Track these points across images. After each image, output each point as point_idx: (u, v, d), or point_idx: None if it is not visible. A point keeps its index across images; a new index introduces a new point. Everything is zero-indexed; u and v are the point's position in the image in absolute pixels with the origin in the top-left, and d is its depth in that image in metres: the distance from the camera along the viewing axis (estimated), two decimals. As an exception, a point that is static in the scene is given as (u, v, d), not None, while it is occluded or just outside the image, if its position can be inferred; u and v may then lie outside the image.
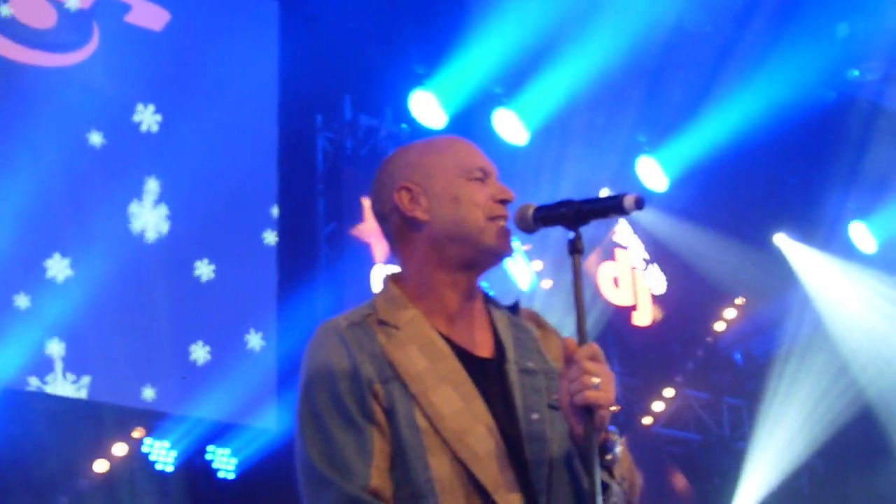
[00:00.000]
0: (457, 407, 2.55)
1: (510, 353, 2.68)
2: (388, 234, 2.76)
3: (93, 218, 7.67)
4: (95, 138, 7.83)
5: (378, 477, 2.50)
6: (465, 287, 2.70)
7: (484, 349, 2.68)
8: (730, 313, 11.11)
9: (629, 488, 2.61)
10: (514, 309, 2.81)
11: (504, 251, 2.70)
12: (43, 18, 7.83)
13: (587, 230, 2.63)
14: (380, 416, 2.54)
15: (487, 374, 2.63)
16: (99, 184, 7.77)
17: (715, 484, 10.94)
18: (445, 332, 2.66)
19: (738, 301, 11.08)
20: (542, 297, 9.65)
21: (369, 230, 8.71)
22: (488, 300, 2.79)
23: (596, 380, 2.46)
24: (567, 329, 2.71)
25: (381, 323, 2.64)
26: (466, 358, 2.64)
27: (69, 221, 7.62)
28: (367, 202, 8.24)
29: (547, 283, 9.75)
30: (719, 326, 11.07)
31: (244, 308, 8.21)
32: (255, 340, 8.10)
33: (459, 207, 2.67)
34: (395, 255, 2.76)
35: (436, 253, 2.68)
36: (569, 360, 2.49)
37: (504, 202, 2.71)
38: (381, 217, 2.76)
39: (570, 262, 2.58)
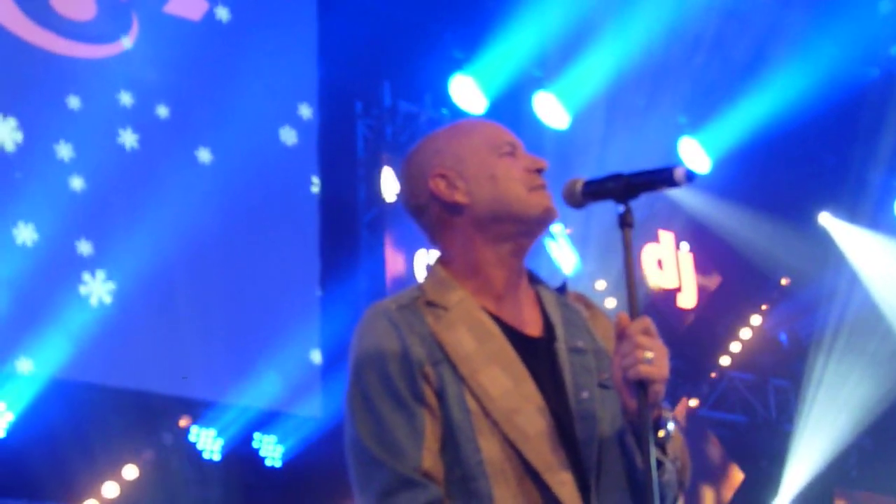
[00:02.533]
0: (506, 387, 2.53)
1: (559, 332, 2.65)
2: (428, 225, 2.74)
3: (136, 209, 7.70)
4: (132, 132, 7.84)
5: (430, 458, 2.49)
6: (512, 264, 2.68)
7: (533, 328, 2.66)
8: (775, 294, 11.03)
9: (681, 467, 2.59)
10: (561, 290, 2.79)
11: (551, 216, 2.68)
12: (83, 10, 7.85)
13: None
14: (431, 397, 2.53)
15: (537, 354, 2.61)
16: (139, 172, 7.79)
17: (762, 466, 10.87)
18: (494, 311, 2.64)
19: (784, 281, 11.00)
20: (587, 281, 9.61)
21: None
22: (536, 280, 2.78)
23: (650, 354, 2.44)
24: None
25: (430, 304, 2.62)
26: (516, 337, 2.61)
27: (111, 213, 7.65)
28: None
29: (591, 266, 9.71)
30: (764, 307, 10.99)
31: (289, 295, 8.22)
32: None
33: (498, 184, 2.65)
34: (438, 242, 2.74)
35: (480, 233, 2.66)
36: (621, 335, 2.47)
37: (539, 171, 2.70)
38: (417, 209, 2.74)
39: (619, 237, 2.56)
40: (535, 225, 2.68)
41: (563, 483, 2.48)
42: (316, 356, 8.05)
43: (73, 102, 7.63)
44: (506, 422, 2.50)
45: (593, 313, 2.78)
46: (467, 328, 2.59)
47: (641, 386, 2.43)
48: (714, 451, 10.56)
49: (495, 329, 2.60)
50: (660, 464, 2.48)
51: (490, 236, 2.66)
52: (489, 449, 2.49)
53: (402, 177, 2.78)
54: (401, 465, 2.48)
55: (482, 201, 2.66)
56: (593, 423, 2.55)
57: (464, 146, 2.71)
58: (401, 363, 2.54)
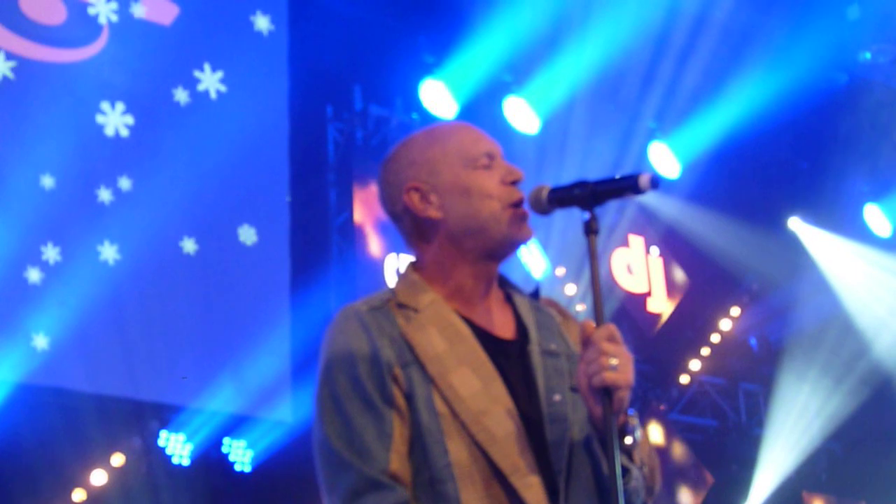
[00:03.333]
0: (475, 389, 2.53)
1: (533, 335, 2.66)
2: (403, 232, 2.75)
3: (105, 214, 7.67)
4: (107, 131, 7.82)
5: (397, 461, 2.49)
6: (485, 276, 2.69)
7: (505, 331, 2.67)
8: (744, 299, 11.07)
9: (649, 473, 2.59)
10: (535, 295, 2.80)
11: (523, 238, 2.68)
12: (53, 14, 7.82)
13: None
14: (400, 400, 2.53)
15: (509, 356, 2.62)
16: (110, 176, 7.76)
17: (733, 470, 10.91)
18: (466, 314, 2.65)
19: (753, 286, 11.04)
20: (556, 285, 9.63)
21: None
22: (508, 285, 2.78)
23: (614, 361, 2.44)
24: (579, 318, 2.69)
25: (401, 306, 2.63)
26: (487, 339, 2.62)
27: (80, 215, 7.61)
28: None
29: (561, 271, 9.72)
30: (734, 312, 11.02)
31: (258, 298, 8.20)
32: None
33: (472, 200, 2.65)
34: (412, 249, 2.75)
35: (453, 247, 2.67)
36: (586, 341, 2.47)
37: (515, 182, 2.69)
38: (393, 216, 2.75)
39: (585, 244, 2.56)
40: (508, 247, 2.69)
41: (531, 486, 2.49)
42: (286, 361, 8.02)
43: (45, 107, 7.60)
44: (474, 423, 2.50)
45: (566, 319, 2.80)
46: (437, 329, 2.59)
47: (606, 393, 2.43)
48: (683, 454, 10.58)
49: (466, 330, 2.61)
50: (626, 470, 2.48)
51: (463, 250, 2.67)
52: (457, 451, 2.49)
53: (379, 182, 2.77)
54: (368, 467, 2.48)
55: (455, 216, 2.66)
56: (564, 426, 2.55)
57: (438, 158, 2.69)
58: (370, 365, 2.54)
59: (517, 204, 2.67)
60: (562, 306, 2.84)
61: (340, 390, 2.55)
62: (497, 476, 2.49)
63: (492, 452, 2.49)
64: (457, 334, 2.60)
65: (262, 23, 8.68)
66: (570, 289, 9.74)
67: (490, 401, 2.53)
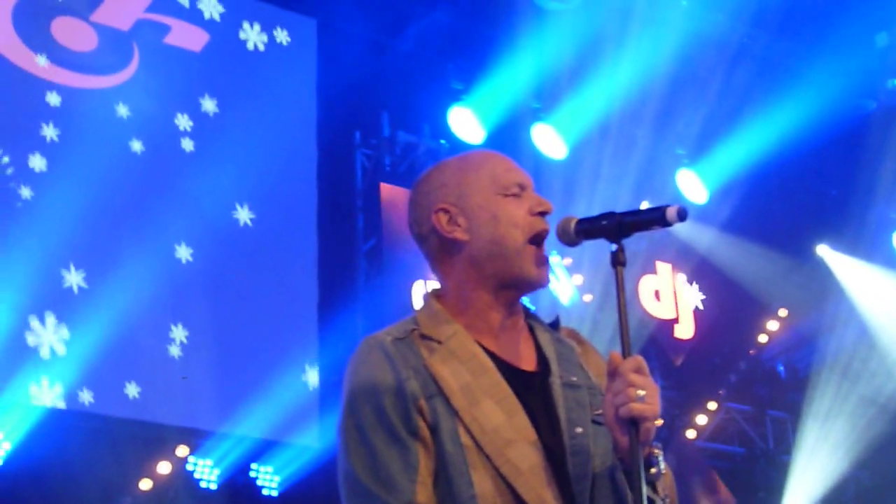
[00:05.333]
0: (499, 421, 2.53)
1: (554, 367, 2.66)
2: (428, 255, 2.75)
3: (136, 239, 7.72)
4: (137, 156, 7.87)
5: (423, 493, 2.50)
6: (505, 305, 2.69)
7: (527, 363, 2.67)
8: (772, 325, 11.04)
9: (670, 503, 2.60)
10: (554, 326, 2.80)
11: (540, 282, 2.68)
12: (84, 41, 7.89)
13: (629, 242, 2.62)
14: (424, 431, 2.53)
15: (531, 388, 2.62)
16: (141, 203, 7.81)
17: (760, 497, 10.86)
18: (488, 346, 2.64)
19: (781, 313, 11.01)
20: (583, 312, 9.63)
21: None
22: (530, 316, 2.78)
23: (642, 392, 2.44)
24: (604, 344, 2.69)
25: (424, 338, 2.63)
26: (510, 371, 2.62)
27: (104, 240, 7.66)
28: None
29: (588, 297, 9.72)
30: (762, 339, 10.99)
31: (286, 324, 8.23)
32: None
33: (498, 226, 2.65)
34: (436, 273, 2.75)
35: (475, 272, 2.67)
36: (613, 372, 2.48)
37: (542, 214, 2.70)
38: (419, 238, 2.75)
39: (613, 275, 2.57)
40: (524, 284, 2.68)
41: None
42: (313, 386, 8.05)
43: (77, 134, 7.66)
44: (498, 456, 2.50)
45: (585, 349, 2.79)
46: (460, 362, 2.59)
47: (633, 424, 2.44)
48: (711, 482, 10.54)
49: (489, 363, 2.61)
50: (651, 502, 2.49)
51: (485, 276, 2.66)
52: (481, 483, 2.49)
53: (409, 203, 2.79)
54: (395, 499, 2.48)
55: (480, 241, 2.66)
56: (587, 459, 2.56)
57: (470, 182, 2.70)
58: (395, 397, 2.54)
59: (541, 236, 2.68)
60: (582, 337, 2.84)
61: (365, 422, 2.55)
62: None
63: (517, 485, 2.49)
64: (480, 366, 2.59)
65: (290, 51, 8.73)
66: (599, 314, 9.73)
67: (514, 433, 2.53)
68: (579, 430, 2.58)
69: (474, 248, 2.67)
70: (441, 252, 2.71)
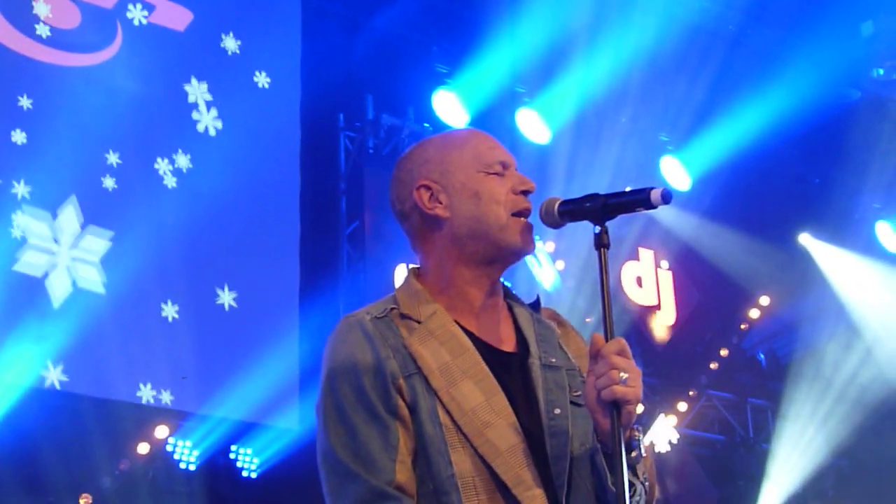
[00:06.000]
0: (478, 401, 2.52)
1: (533, 348, 2.65)
2: (409, 232, 2.73)
3: (122, 213, 7.69)
4: (115, 141, 7.83)
5: (403, 472, 2.49)
6: (486, 283, 2.67)
7: (507, 344, 2.66)
8: (753, 313, 11.06)
9: (650, 487, 2.59)
10: (535, 307, 2.78)
11: (526, 249, 2.67)
12: (67, 19, 7.84)
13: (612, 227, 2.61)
14: (403, 410, 2.52)
15: (510, 369, 2.61)
16: (120, 179, 7.78)
17: (739, 485, 10.90)
18: (467, 326, 2.63)
19: (763, 301, 11.03)
20: (565, 297, 9.63)
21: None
22: (510, 296, 2.76)
23: (624, 375, 2.43)
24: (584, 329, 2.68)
25: (404, 317, 2.62)
26: (489, 352, 2.61)
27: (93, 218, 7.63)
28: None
29: (570, 283, 9.73)
30: (743, 327, 11.01)
31: (268, 307, 8.21)
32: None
33: (480, 203, 2.64)
34: (417, 251, 2.74)
35: (456, 249, 2.66)
36: (595, 355, 2.47)
37: (525, 193, 2.68)
38: (401, 215, 2.74)
39: (595, 258, 2.56)
40: (510, 255, 2.67)
41: (534, 499, 2.49)
42: (294, 369, 8.03)
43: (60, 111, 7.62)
44: (477, 436, 2.50)
45: (565, 331, 2.78)
46: (440, 342, 2.58)
47: (615, 406, 2.43)
48: (691, 469, 10.57)
49: (468, 343, 2.60)
50: (631, 485, 2.47)
51: (466, 254, 2.65)
52: (460, 463, 2.49)
53: (392, 180, 2.77)
54: (375, 478, 2.48)
55: (461, 218, 2.65)
56: (565, 440, 2.55)
57: (453, 160, 2.69)
58: (374, 376, 2.54)
59: (524, 214, 2.67)
60: (562, 318, 2.82)
61: (345, 401, 2.54)
62: (500, 489, 2.49)
63: (495, 465, 2.49)
64: (459, 346, 2.58)
65: (274, 33, 8.70)
66: (580, 300, 9.74)
67: (493, 414, 2.52)
68: (558, 411, 2.57)
69: (456, 225, 2.65)
70: (422, 229, 2.70)
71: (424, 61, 9.49)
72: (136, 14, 8.08)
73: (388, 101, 9.43)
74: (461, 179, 2.67)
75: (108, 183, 7.70)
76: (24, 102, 7.53)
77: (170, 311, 7.77)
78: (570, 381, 2.64)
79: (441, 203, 2.67)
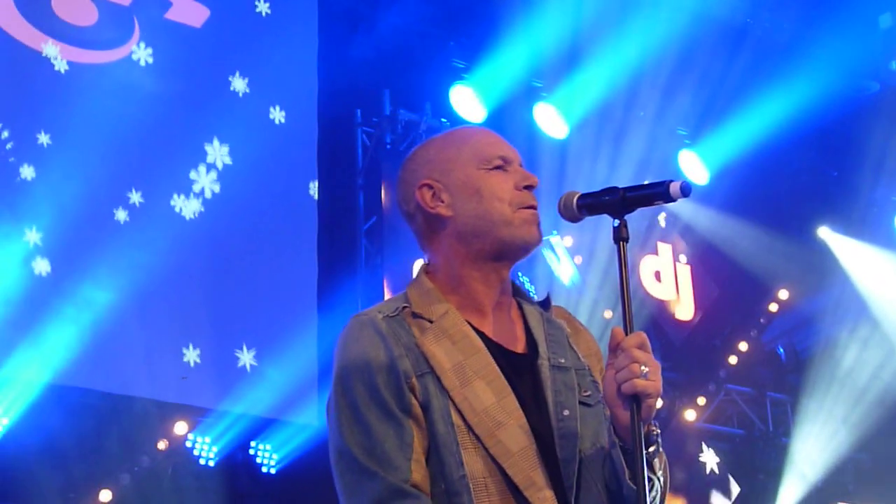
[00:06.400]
0: (489, 402, 2.52)
1: (542, 349, 2.65)
2: (416, 232, 2.74)
3: (137, 212, 7.70)
4: (137, 134, 7.84)
5: (418, 471, 2.49)
6: (495, 280, 2.67)
7: (517, 345, 2.66)
8: (773, 307, 11.02)
9: (664, 482, 2.58)
10: (545, 305, 2.78)
11: (533, 241, 2.66)
12: (85, 16, 7.85)
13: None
14: (417, 409, 2.52)
15: (520, 370, 2.61)
16: (142, 177, 7.79)
17: (759, 479, 10.86)
18: (478, 326, 2.63)
19: (782, 295, 11.00)
20: (584, 292, 9.62)
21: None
22: (520, 294, 2.76)
23: (645, 368, 2.42)
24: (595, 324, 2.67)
25: (416, 316, 2.62)
26: (500, 353, 2.61)
27: (111, 220, 7.64)
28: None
29: (588, 277, 9.71)
30: (762, 320, 10.98)
31: (285, 302, 8.22)
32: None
33: (482, 201, 2.64)
34: (425, 251, 2.74)
35: (463, 248, 2.65)
36: (615, 348, 2.46)
37: (529, 188, 2.68)
38: (407, 216, 2.74)
39: (615, 251, 2.54)
40: (517, 249, 2.66)
41: (545, 500, 2.48)
42: (313, 365, 8.03)
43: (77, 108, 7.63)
44: (489, 437, 2.50)
45: (575, 329, 2.78)
46: (452, 341, 2.58)
47: (635, 400, 2.42)
48: (711, 463, 10.55)
49: (479, 343, 2.59)
50: (649, 479, 2.46)
51: (472, 252, 2.65)
52: (472, 464, 2.49)
53: (398, 181, 2.77)
54: (392, 476, 2.47)
55: (465, 216, 2.64)
56: (574, 442, 2.55)
57: (453, 158, 2.69)
58: (388, 374, 2.53)
59: (529, 207, 2.66)
60: (572, 316, 2.83)
61: (358, 399, 2.53)
62: (512, 490, 2.48)
63: (507, 466, 2.48)
64: (471, 346, 2.58)
65: (291, 28, 8.70)
66: (599, 295, 9.73)
67: (504, 415, 2.52)
68: (566, 412, 2.57)
69: (459, 223, 2.65)
70: (427, 229, 2.70)
71: (441, 56, 9.48)
72: (154, 11, 8.09)
73: (406, 97, 9.42)
74: (461, 177, 2.67)
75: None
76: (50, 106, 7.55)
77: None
78: (579, 380, 2.64)
79: (443, 202, 2.67)
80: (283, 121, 8.48)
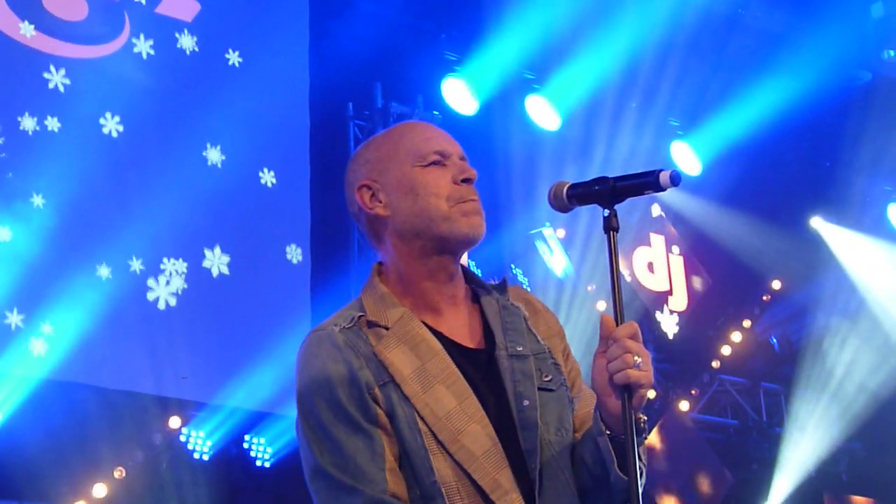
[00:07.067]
0: (451, 407, 2.51)
1: (499, 340, 2.64)
2: (363, 233, 2.74)
3: (127, 209, 7.69)
4: (125, 128, 7.83)
5: (393, 480, 2.48)
6: (443, 276, 2.65)
7: (473, 339, 2.65)
8: (766, 298, 11.04)
9: (644, 468, 2.58)
10: (501, 289, 2.76)
11: (475, 233, 2.62)
12: (75, 10, 7.84)
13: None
14: (383, 418, 2.51)
15: (478, 365, 2.60)
16: (128, 171, 7.78)
17: (753, 469, 10.89)
18: (434, 325, 2.62)
19: (775, 285, 11.01)
20: (577, 283, 9.62)
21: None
22: (475, 282, 2.74)
23: (638, 358, 2.42)
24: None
25: (371, 324, 2.59)
26: (457, 350, 2.60)
27: (104, 215, 7.64)
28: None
29: (581, 269, 9.72)
30: (756, 311, 11.00)
31: (279, 296, 8.21)
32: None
33: (418, 199, 2.61)
34: (375, 251, 2.74)
35: (405, 246, 2.64)
36: (605, 337, 2.46)
37: (467, 181, 2.64)
38: (353, 217, 2.73)
39: (604, 241, 2.54)
40: (459, 244, 2.63)
41: (511, 503, 2.48)
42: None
43: (67, 103, 7.61)
44: (452, 443, 2.49)
45: (534, 310, 2.76)
46: (409, 346, 2.56)
47: (627, 390, 2.41)
48: (705, 453, 10.56)
49: (437, 345, 2.58)
50: (640, 471, 2.47)
51: (415, 250, 2.63)
52: (441, 469, 2.49)
53: (344, 183, 2.76)
54: (370, 489, 2.46)
55: (403, 215, 2.63)
56: (535, 433, 2.54)
57: (388, 157, 2.67)
58: (349, 387, 2.51)
59: (468, 202, 2.62)
60: (530, 296, 2.81)
61: (323, 417, 2.52)
62: (480, 493, 2.49)
63: (472, 471, 2.48)
64: (429, 350, 2.56)
65: (282, 21, 8.69)
66: (591, 287, 9.75)
67: (466, 419, 2.51)
68: (526, 402, 2.56)
69: (398, 222, 2.63)
70: (371, 230, 2.69)
71: (433, 49, 9.47)
72: (144, 5, 8.08)
73: (397, 90, 9.41)
74: (397, 175, 2.64)
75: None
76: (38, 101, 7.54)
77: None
78: (539, 364, 2.64)
79: (381, 202, 2.65)
80: (274, 115, 8.46)
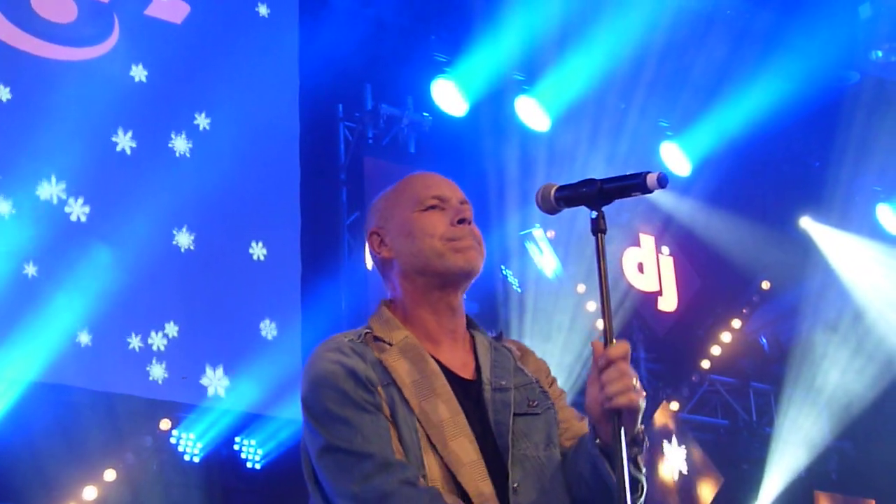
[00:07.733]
0: (445, 417, 2.69)
1: (486, 375, 2.81)
2: (379, 273, 2.95)
3: (122, 209, 7.69)
4: (119, 131, 7.83)
5: (399, 451, 2.65)
6: (444, 309, 2.84)
7: (466, 371, 2.82)
8: (755, 298, 11.06)
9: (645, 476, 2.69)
10: (497, 338, 2.96)
11: (470, 266, 2.81)
12: (64, 13, 7.84)
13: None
14: (386, 410, 2.69)
15: (468, 394, 2.77)
16: (124, 176, 7.78)
17: (743, 469, 10.90)
18: (433, 353, 2.80)
19: (764, 285, 11.03)
20: (567, 284, 9.63)
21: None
22: (473, 326, 2.93)
23: (636, 382, 2.50)
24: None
25: (377, 339, 2.80)
26: (451, 377, 2.77)
27: (97, 214, 7.64)
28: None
29: (571, 270, 9.73)
30: (745, 311, 11.01)
31: (269, 298, 8.21)
32: (267, 329, 8.09)
33: (414, 241, 2.82)
34: (386, 290, 2.94)
35: (409, 285, 2.84)
36: (601, 359, 2.51)
37: (462, 222, 2.82)
38: (372, 259, 2.96)
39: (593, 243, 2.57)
40: (456, 277, 2.81)
41: None
42: (296, 359, 8.03)
43: (58, 106, 7.61)
44: (443, 447, 2.66)
45: (524, 353, 2.95)
46: (411, 362, 2.75)
47: (628, 410, 2.47)
48: (695, 453, 10.58)
49: (435, 366, 2.77)
50: (636, 480, 2.56)
51: (418, 288, 2.83)
52: (431, 467, 2.65)
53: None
54: (378, 452, 2.61)
55: (404, 256, 2.84)
56: (507, 455, 2.70)
57: (392, 205, 2.90)
58: (356, 381, 2.70)
59: (460, 240, 2.80)
60: (523, 345, 3.00)
61: (332, 404, 2.68)
62: (463, 498, 2.62)
63: (459, 475, 2.63)
64: (428, 368, 2.75)
65: (272, 23, 8.70)
66: (581, 288, 9.76)
67: (457, 430, 2.68)
68: (503, 428, 2.72)
69: (401, 263, 2.84)
70: (382, 270, 2.92)
71: (423, 50, 9.49)
72: (133, 7, 8.07)
73: (387, 91, 9.43)
74: (399, 221, 2.86)
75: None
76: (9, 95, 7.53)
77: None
78: (527, 393, 2.80)
79: (387, 246, 2.88)
80: (265, 116, 8.45)
